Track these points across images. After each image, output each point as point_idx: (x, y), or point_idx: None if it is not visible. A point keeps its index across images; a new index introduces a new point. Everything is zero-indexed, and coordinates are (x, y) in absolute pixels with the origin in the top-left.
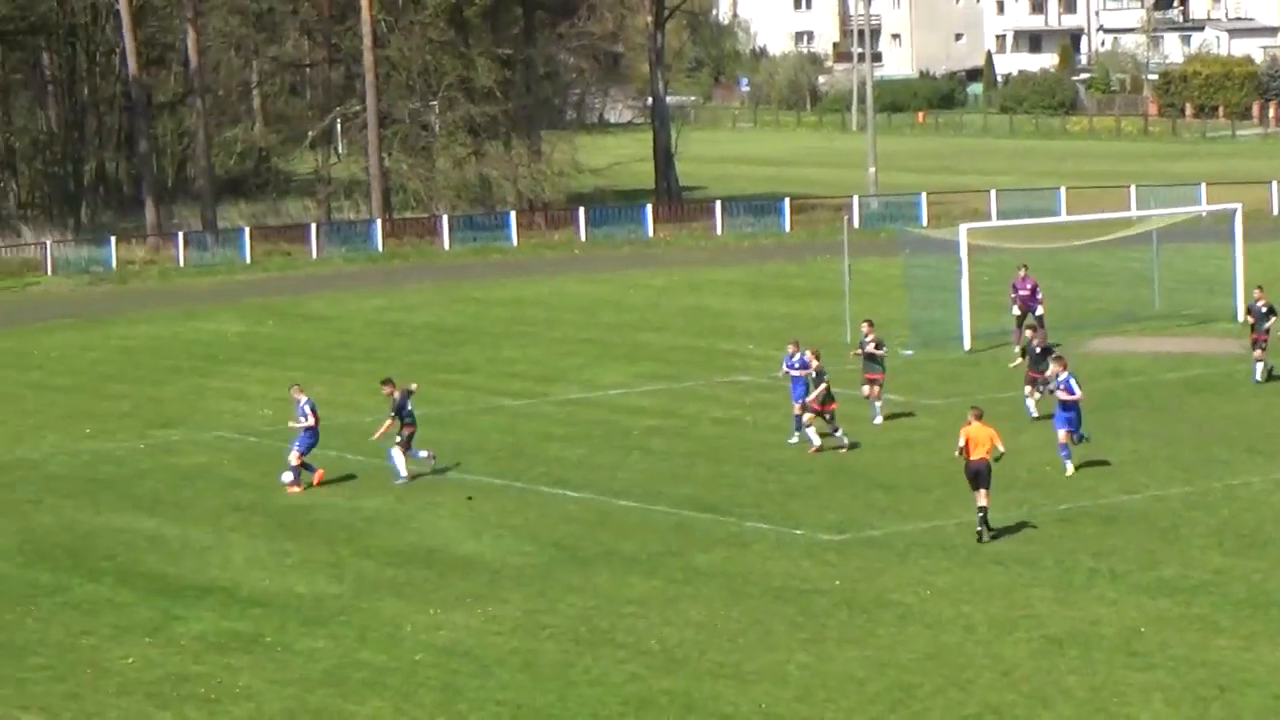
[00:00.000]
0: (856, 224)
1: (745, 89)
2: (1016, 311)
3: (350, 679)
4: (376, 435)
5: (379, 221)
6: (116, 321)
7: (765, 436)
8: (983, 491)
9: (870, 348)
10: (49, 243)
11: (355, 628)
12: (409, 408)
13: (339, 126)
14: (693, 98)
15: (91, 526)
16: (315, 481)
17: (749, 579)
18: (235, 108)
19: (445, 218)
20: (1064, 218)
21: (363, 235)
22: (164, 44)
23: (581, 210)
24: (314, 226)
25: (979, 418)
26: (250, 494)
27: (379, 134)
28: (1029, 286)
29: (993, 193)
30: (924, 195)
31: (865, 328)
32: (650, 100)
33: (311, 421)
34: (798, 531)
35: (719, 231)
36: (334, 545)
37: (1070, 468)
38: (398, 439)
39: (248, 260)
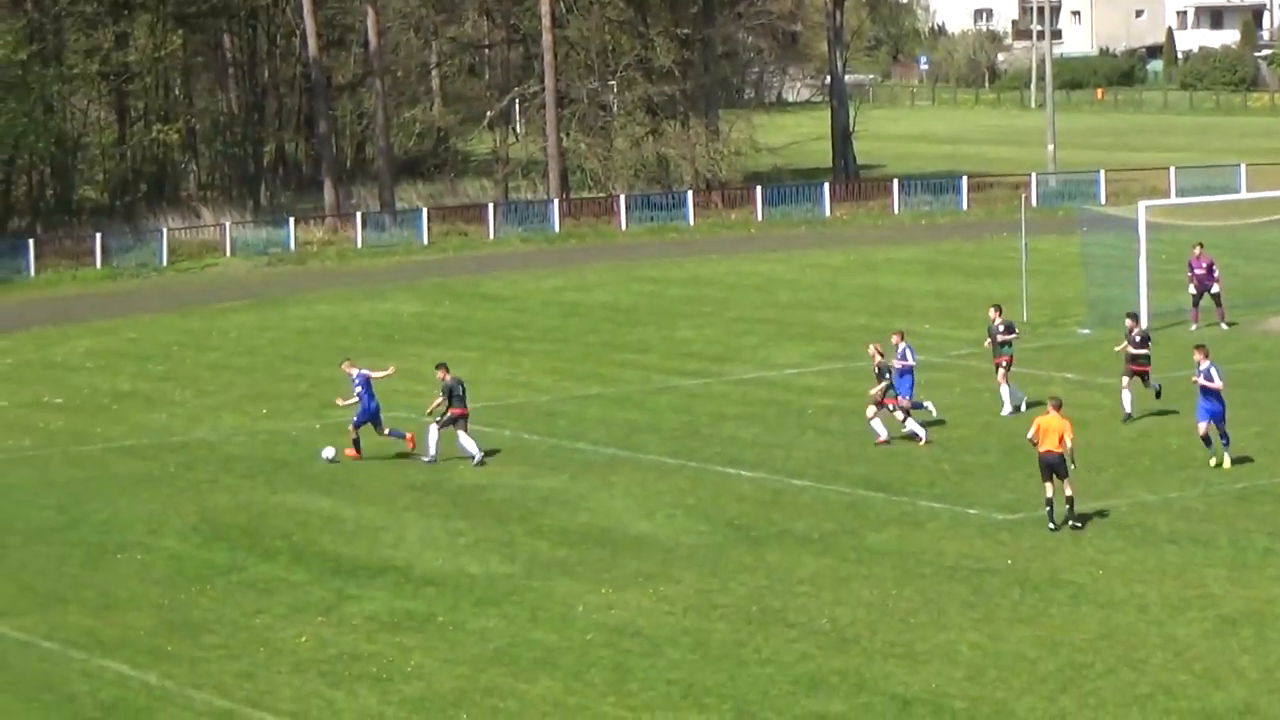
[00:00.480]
0: (1034, 202)
1: (924, 67)
2: (1193, 290)
3: (522, 658)
4: (428, 409)
5: (556, 202)
6: (294, 302)
7: (942, 416)
8: (1053, 483)
9: (1001, 333)
10: (228, 224)
11: (527, 607)
12: (460, 393)
13: (517, 106)
14: (871, 76)
15: (267, 506)
16: (409, 445)
17: (921, 558)
18: (414, 88)
19: (622, 197)
20: (1244, 194)
21: (540, 215)
22: (344, 25)
23: (759, 189)
24: (491, 207)
25: (1057, 408)
26: (424, 473)
27: (557, 114)
28: (1204, 265)
29: (1172, 170)
30: (1102, 173)
31: (993, 313)
32: (828, 79)
33: (357, 399)
34: (971, 511)
35: (896, 210)
36: (507, 525)
37: (1216, 459)
38: (439, 417)
39: (425, 241)
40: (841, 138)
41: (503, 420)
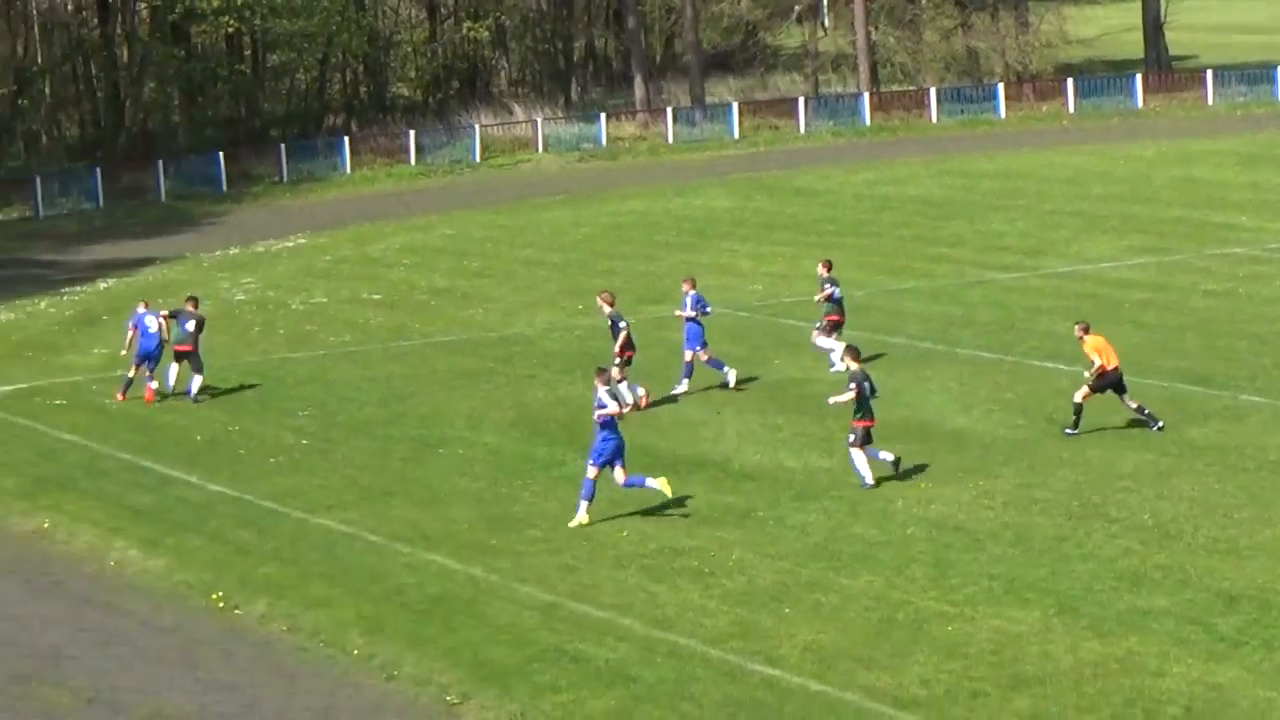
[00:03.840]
0: None
1: None
2: None
3: (842, 553)
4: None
5: (866, 95)
6: (607, 198)
7: (1260, 309)
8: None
9: None
10: (539, 120)
11: (846, 502)
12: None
13: (825, 0)
14: None
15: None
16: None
17: (1244, 453)
18: None
19: (933, 90)
20: None
21: (850, 109)
22: None
23: (1070, 81)
24: (801, 101)
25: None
26: (741, 368)
27: (866, 7)
28: None
29: None
30: None
31: None
32: None
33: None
34: None
35: (1210, 101)
36: (824, 420)
37: None
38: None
39: (736, 135)
40: (1153, 28)
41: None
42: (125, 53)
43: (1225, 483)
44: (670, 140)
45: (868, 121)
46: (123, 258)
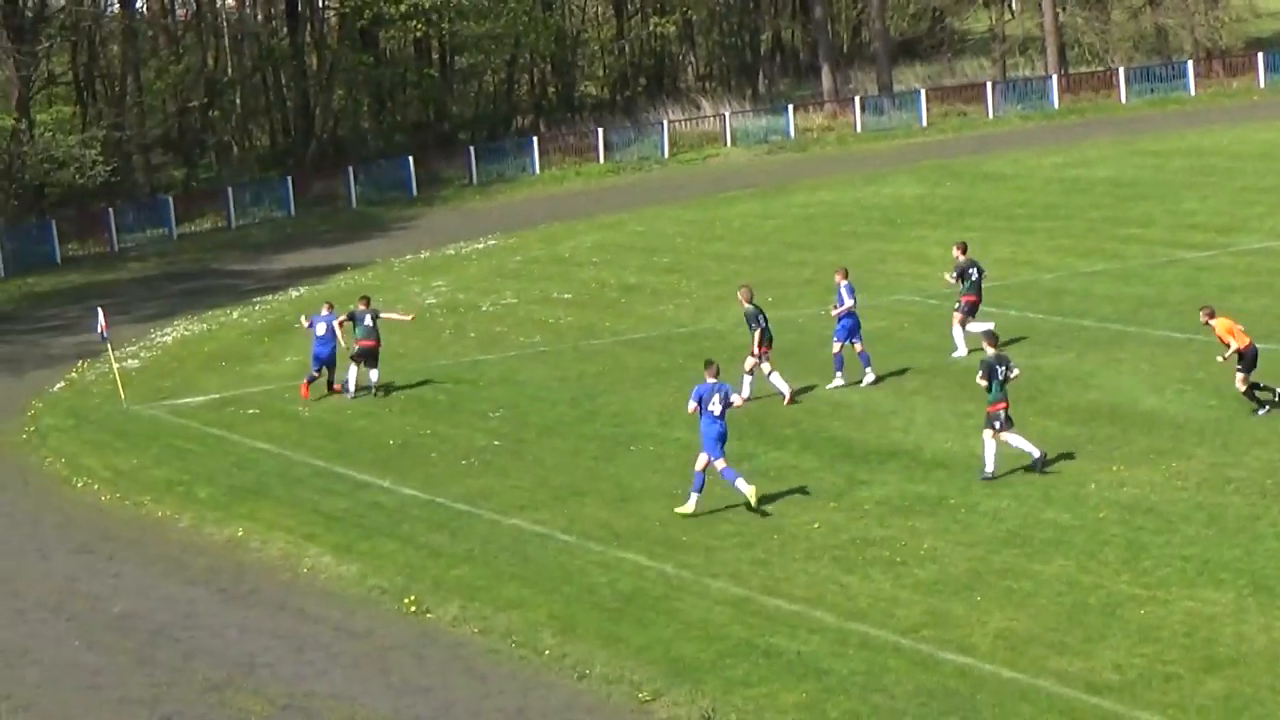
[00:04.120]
0: None
1: None
2: None
3: (1034, 538)
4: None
5: (1055, 77)
6: (796, 189)
7: None
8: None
9: None
10: (727, 114)
11: (1039, 487)
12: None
13: None
14: None
15: (773, 395)
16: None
17: None
18: None
19: (1121, 70)
20: None
21: (1039, 92)
22: None
23: (1260, 55)
24: (990, 85)
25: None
26: (931, 356)
27: None
28: None
29: None
30: None
31: None
32: None
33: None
34: None
35: None
36: (1016, 403)
37: None
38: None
39: (924, 122)
40: None
41: (1007, 300)
42: (314, 61)
43: None
44: (858, 129)
45: (1056, 104)
46: (314, 265)
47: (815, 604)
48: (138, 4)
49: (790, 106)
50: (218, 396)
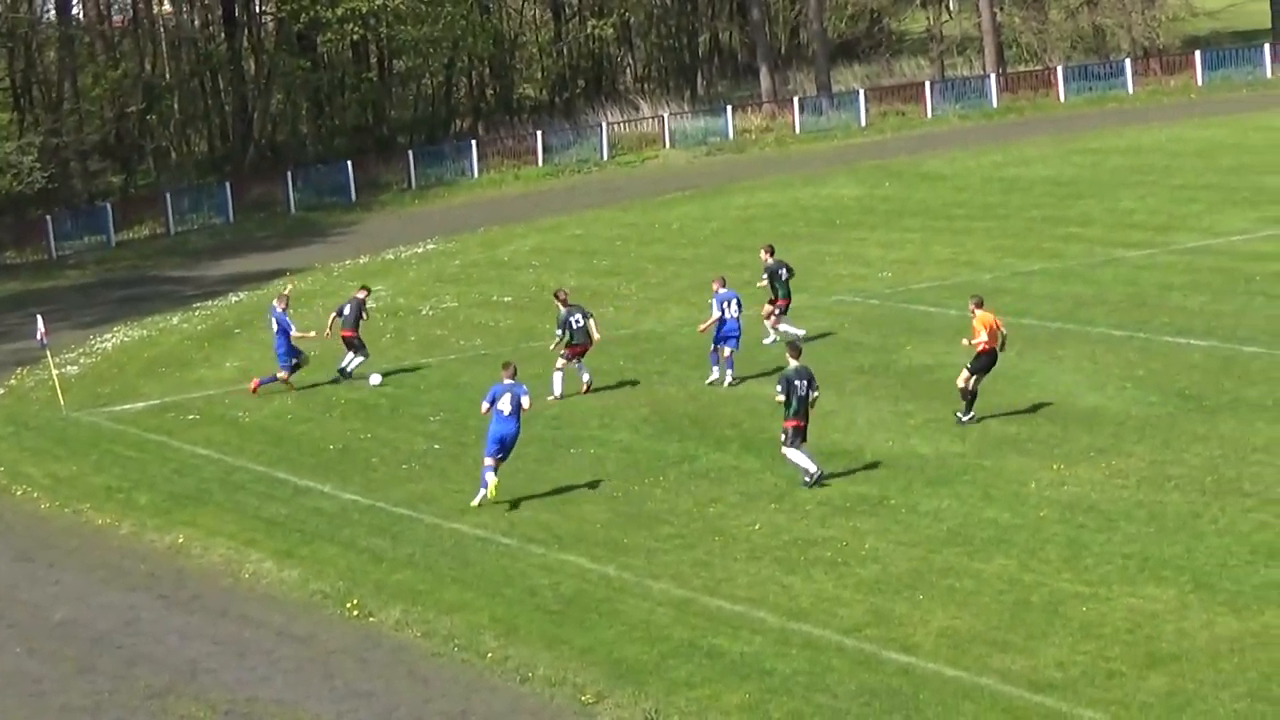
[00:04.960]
0: None
1: None
2: None
3: (975, 537)
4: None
5: (994, 76)
6: (735, 191)
7: None
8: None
9: None
10: (666, 115)
11: (979, 486)
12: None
13: None
14: None
15: (716, 396)
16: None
17: None
18: None
19: (1060, 69)
20: None
21: (977, 91)
22: None
23: (1197, 54)
24: (928, 85)
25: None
26: (871, 356)
27: None
28: None
29: None
30: None
31: None
32: None
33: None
34: None
35: None
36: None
37: None
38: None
39: (863, 123)
40: None
41: (947, 299)
42: (252, 65)
43: None
44: (797, 130)
45: (995, 103)
46: (253, 271)
47: (758, 604)
48: (74, 10)
49: (729, 108)
50: (158, 402)
